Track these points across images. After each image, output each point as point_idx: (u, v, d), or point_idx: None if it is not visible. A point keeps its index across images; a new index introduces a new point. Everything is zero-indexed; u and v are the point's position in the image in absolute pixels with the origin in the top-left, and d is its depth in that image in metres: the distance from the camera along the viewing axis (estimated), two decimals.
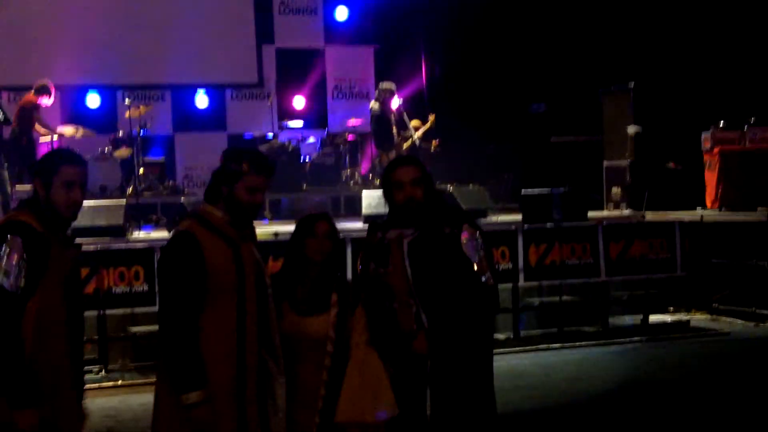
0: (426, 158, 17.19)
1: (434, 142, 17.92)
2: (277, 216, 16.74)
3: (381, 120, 16.96)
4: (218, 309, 5.29)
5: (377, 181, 15.98)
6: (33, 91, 16.56)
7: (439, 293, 5.74)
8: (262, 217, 15.44)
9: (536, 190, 15.12)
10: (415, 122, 17.67)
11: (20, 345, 4.95)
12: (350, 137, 18.26)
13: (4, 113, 15.55)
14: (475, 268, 5.77)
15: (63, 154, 5.58)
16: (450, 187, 15.91)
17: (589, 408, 10.08)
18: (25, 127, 16.34)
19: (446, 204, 6.13)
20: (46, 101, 16.63)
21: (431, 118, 17.43)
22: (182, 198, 16.52)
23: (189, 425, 5.20)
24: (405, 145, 17.07)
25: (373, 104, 17.13)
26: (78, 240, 5.52)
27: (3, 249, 5.00)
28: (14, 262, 4.98)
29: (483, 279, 5.78)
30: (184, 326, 5.20)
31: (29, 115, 16.42)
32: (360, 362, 5.65)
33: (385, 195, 5.97)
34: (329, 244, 5.79)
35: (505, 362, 12.12)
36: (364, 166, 18.60)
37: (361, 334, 5.72)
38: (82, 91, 19.12)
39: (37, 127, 16.56)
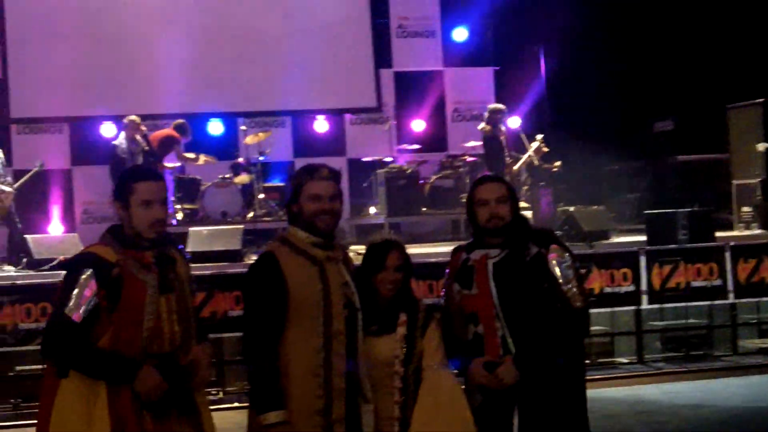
0: (547, 180, 16.95)
1: (556, 164, 17.58)
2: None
3: (492, 142, 16.70)
4: (303, 328, 5.26)
5: None
6: (173, 127, 17.22)
7: (526, 317, 5.49)
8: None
9: (661, 211, 14.72)
10: (535, 143, 17.35)
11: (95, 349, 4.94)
12: (469, 159, 17.97)
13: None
14: (564, 289, 5.49)
15: (136, 171, 5.52)
16: (572, 209, 15.58)
17: None
18: (163, 156, 16.82)
19: (531, 225, 5.85)
20: (185, 139, 17.29)
21: (538, 139, 17.07)
22: None
23: None
24: (516, 167, 16.77)
25: (484, 126, 16.87)
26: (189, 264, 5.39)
27: (79, 281, 4.94)
28: (86, 295, 4.93)
29: (572, 301, 5.49)
30: (261, 346, 5.21)
31: (170, 147, 17.07)
32: (433, 384, 5.46)
33: (469, 215, 5.73)
34: (400, 277, 5.60)
35: (627, 387, 11.97)
36: None
37: (434, 355, 5.53)
38: (204, 118, 19.21)
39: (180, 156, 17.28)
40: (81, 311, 4.90)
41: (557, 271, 5.52)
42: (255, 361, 5.22)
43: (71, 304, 4.91)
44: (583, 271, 12.31)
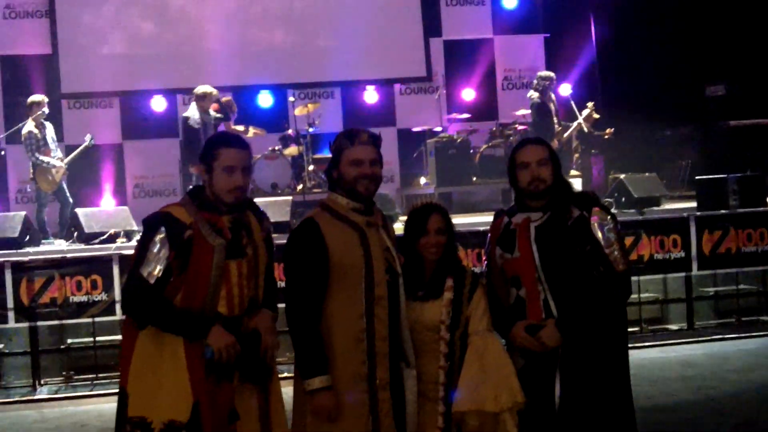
0: (598, 147, 16.85)
1: (608, 130, 17.48)
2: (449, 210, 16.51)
3: (540, 109, 16.60)
4: (346, 294, 5.27)
5: None
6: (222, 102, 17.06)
7: (568, 279, 5.46)
8: None
9: (712, 176, 14.60)
10: (586, 110, 17.23)
11: (171, 307, 5.07)
12: (520, 128, 17.87)
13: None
14: (606, 252, 5.46)
15: (223, 138, 5.57)
16: (622, 176, 15.49)
17: (757, 401, 9.53)
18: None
19: (573, 188, 5.80)
20: (233, 115, 17.09)
21: (589, 106, 16.95)
22: None
23: (313, 410, 5.23)
24: (566, 135, 16.67)
25: (532, 93, 16.77)
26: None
27: (154, 241, 5.07)
28: (159, 256, 5.05)
29: (614, 264, 5.46)
30: (303, 312, 5.23)
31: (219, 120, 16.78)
32: (479, 349, 5.43)
33: (510, 178, 5.70)
34: (443, 240, 5.57)
35: (677, 353, 11.94)
36: None
37: (480, 320, 5.50)
38: (253, 91, 19.24)
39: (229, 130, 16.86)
40: (156, 272, 5.03)
41: (599, 234, 5.48)
42: (298, 327, 5.24)
43: (146, 264, 5.04)
44: (631, 239, 12.30)
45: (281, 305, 5.37)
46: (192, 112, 15.68)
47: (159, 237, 5.05)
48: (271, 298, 5.43)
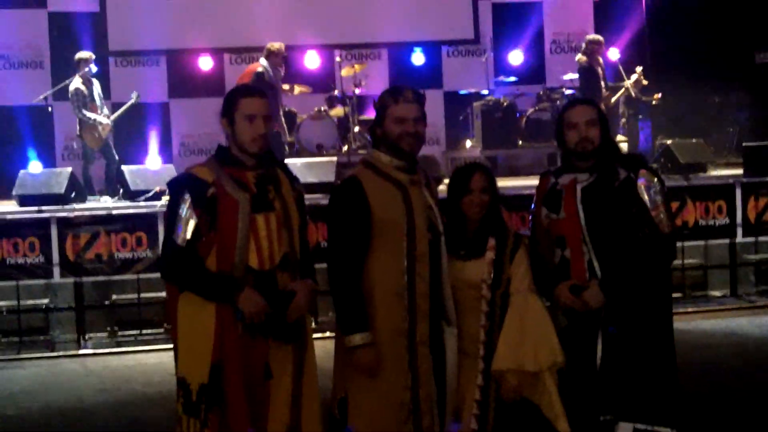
0: (646, 112, 16.73)
1: (656, 96, 17.34)
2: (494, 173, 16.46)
3: (588, 73, 16.45)
4: (387, 251, 5.29)
5: None
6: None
7: (613, 241, 5.44)
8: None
9: (759, 143, 14.47)
10: (634, 75, 17.09)
11: (203, 272, 5.10)
12: (567, 92, 17.73)
13: None
14: (652, 215, 5.43)
15: (241, 88, 5.62)
16: (669, 142, 15.37)
17: None
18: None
19: (621, 149, 5.77)
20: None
21: (637, 71, 16.82)
22: None
23: (354, 366, 5.28)
24: (613, 99, 16.56)
25: (580, 57, 16.62)
26: None
27: (181, 205, 5.12)
28: (188, 219, 5.10)
29: (660, 227, 5.44)
30: (345, 269, 5.26)
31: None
32: (520, 308, 5.45)
33: (558, 138, 5.68)
34: (487, 199, 5.56)
35: (720, 320, 11.91)
36: None
37: (522, 279, 5.50)
38: (300, 51, 19.17)
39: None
40: (187, 236, 5.08)
41: (646, 196, 5.47)
42: (340, 283, 5.27)
43: (177, 229, 5.10)
44: (676, 204, 12.24)
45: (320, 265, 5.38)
46: (266, 68, 15.58)
47: (185, 200, 5.10)
48: (307, 259, 5.43)
